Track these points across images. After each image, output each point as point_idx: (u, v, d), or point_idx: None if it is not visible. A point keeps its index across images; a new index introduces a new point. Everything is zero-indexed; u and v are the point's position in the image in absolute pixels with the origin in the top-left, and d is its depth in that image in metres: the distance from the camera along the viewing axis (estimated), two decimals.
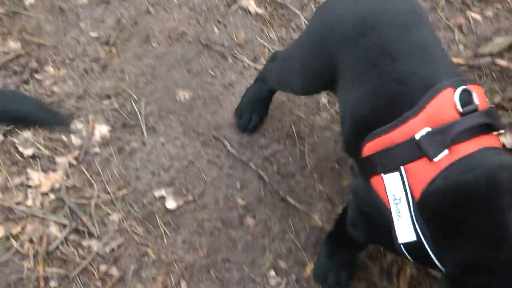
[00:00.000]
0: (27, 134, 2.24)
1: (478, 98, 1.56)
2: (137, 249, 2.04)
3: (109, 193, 2.12)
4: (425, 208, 1.53)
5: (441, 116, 1.55)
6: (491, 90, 2.53)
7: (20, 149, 2.20)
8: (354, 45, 1.73)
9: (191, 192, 2.12)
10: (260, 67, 2.39)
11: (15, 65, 2.40)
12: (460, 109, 1.52)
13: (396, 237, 1.58)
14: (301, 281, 2.03)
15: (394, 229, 1.59)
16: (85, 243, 2.07)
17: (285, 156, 2.22)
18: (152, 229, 2.07)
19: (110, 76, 2.35)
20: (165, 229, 2.06)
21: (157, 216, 2.08)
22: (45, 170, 2.17)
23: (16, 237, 2.06)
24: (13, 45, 2.44)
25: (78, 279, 2.02)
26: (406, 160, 1.57)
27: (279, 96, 2.35)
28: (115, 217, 2.09)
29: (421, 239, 1.55)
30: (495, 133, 1.59)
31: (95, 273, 2.02)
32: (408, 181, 1.57)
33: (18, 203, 2.11)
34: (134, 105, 2.29)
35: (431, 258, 1.56)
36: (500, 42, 2.59)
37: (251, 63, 2.45)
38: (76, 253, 2.05)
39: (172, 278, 2.01)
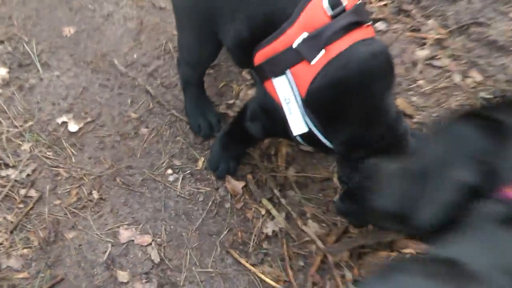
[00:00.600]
0: None
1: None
2: (50, 171, 2.17)
3: (16, 127, 2.23)
4: (310, 103, 1.67)
5: (314, 22, 1.63)
6: None
7: None
8: None
9: (89, 114, 2.25)
10: None
11: None
12: (330, 13, 1.62)
13: (291, 127, 1.74)
14: (195, 174, 2.16)
15: (286, 120, 1.73)
16: (3, 173, 2.18)
17: (166, 70, 2.35)
18: (60, 151, 2.19)
19: (0, 23, 2.40)
20: (72, 150, 2.19)
21: (62, 140, 2.22)
22: None
23: None
24: None
25: (2, 205, 2.12)
26: (290, 65, 1.68)
27: (152, 18, 2.49)
28: (26, 146, 2.21)
29: (311, 129, 1.72)
30: (365, 25, 1.68)
31: (16, 197, 2.13)
32: (294, 83, 1.69)
33: None
34: (26, 46, 2.37)
35: (322, 142, 1.76)
36: None
37: None
38: None
39: (85, 190, 2.15)
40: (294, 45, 1.62)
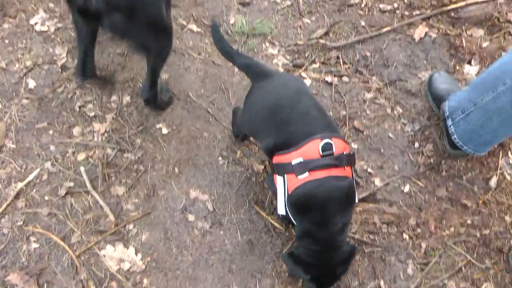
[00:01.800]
0: (90, 105, 2.64)
1: (336, 147, 1.85)
2: (151, 156, 2.51)
3: (133, 129, 2.58)
4: (290, 200, 1.92)
5: (309, 155, 1.84)
6: (318, 55, 2.86)
7: (88, 113, 2.61)
8: (267, 120, 1.98)
9: (174, 124, 2.61)
10: None
11: None
12: (321, 153, 1.84)
13: (277, 206, 1.99)
14: (235, 160, 2.51)
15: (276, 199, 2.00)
16: (125, 155, 2.50)
17: (219, 100, 2.67)
18: (157, 145, 2.55)
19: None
20: (164, 144, 2.54)
21: (159, 138, 2.57)
22: (101, 122, 2.60)
23: (91, 157, 2.49)
24: None
25: (124, 173, 2.47)
26: (287, 172, 1.89)
27: (212, 70, 2.76)
28: (138, 141, 2.55)
29: (287, 213, 1.97)
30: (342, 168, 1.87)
31: (132, 169, 2.48)
32: (286, 183, 1.91)
33: (90, 140, 2.55)
34: (141, 84, 2.72)
35: (293, 222, 2.02)
36: (320, 31, 2.95)
37: (197, 55, 2.84)
38: (122, 161, 2.48)
39: (170, 167, 2.50)
40: (293, 163, 1.86)
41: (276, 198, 2.04)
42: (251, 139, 2.52)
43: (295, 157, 1.85)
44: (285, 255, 2.05)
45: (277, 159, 1.92)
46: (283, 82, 2.07)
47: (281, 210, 1.97)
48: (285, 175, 1.89)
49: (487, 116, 2.23)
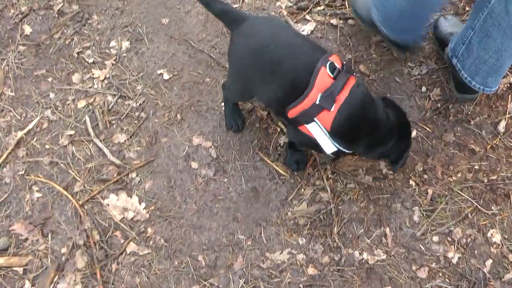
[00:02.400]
0: (88, 51, 2.35)
1: (336, 62, 1.69)
2: (152, 102, 2.23)
3: (134, 75, 2.30)
4: (335, 133, 1.71)
5: (324, 84, 1.65)
6: None
7: (87, 59, 2.32)
8: (257, 66, 1.73)
9: (175, 69, 2.30)
10: None
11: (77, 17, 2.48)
12: (331, 76, 1.64)
13: (325, 150, 1.78)
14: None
15: (321, 146, 1.76)
16: (126, 102, 2.23)
17: (221, 44, 2.34)
18: (159, 90, 2.27)
19: (126, 16, 2.43)
20: (165, 90, 2.25)
21: (160, 84, 2.27)
22: (100, 68, 2.32)
23: (91, 105, 2.23)
24: (74, 7, 2.47)
25: (124, 121, 2.19)
26: (316, 114, 1.68)
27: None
28: (139, 87, 2.29)
29: (338, 147, 1.76)
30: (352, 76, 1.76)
31: (133, 116, 2.21)
32: (321, 124, 1.70)
33: (90, 87, 2.28)
34: (139, 29, 2.39)
35: (347, 152, 1.81)
36: None
37: None
38: (123, 108, 2.22)
39: (172, 114, 2.21)
40: (317, 102, 1.66)
41: (311, 147, 1.93)
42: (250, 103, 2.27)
43: (315, 96, 1.66)
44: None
45: (296, 110, 1.72)
46: (259, 22, 1.85)
47: (331, 149, 1.79)
48: (315, 118, 1.70)
49: (487, 34, 1.93)
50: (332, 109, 1.68)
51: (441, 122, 2.22)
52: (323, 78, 1.67)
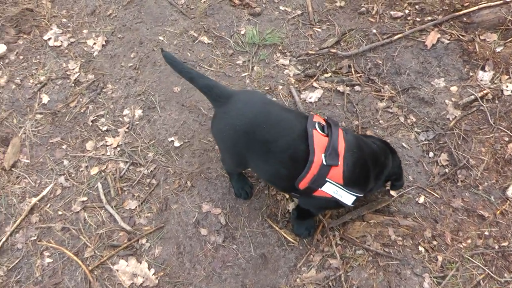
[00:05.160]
0: (102, 119, 2.52)
1: (320, 120, 1.84)
2: (163, 169, 2.40)
3: (146, 143, 2.46)
4: (349, 183, 1.82)
5: (322, 145, 1.77)
6: (330, 65, 2.67)
7: (101, 127, 2.50)
8: (252, 145, 1.81)
9: (186, 137, 2.46)
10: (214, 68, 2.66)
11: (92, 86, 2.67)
12: (324, 134, 1.79)
13: (345, 203, 1.86)
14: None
15: (340, 201, 1.84)
16: (137, 169, 2.40)
17: None
18: (170, 158, 2.43)
19: (139, 85, 2.64)
20: (176, 157, 2.42)
21: (171, 151, 2.43)
22: (113, 136, 2.48)
23: (104, 171, 2.38)
24: (90, 76, 2.69)
25: (136, 187, 2.34)
26: (327, 174, 1.78)
27: None
28: (150, 154, 2.44)
29: (357, 195, 1.86)
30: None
31: (144, 183, 2.37)
32: (334, 181, 1.80)
33: (103, 154, 2.44)
34: (152, 97, 2.59)
35: (362, 197, 1.96)
36: (331, 40, 2.77)
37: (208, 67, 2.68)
38: (134, 175, 2.37)
39: (183, 181, 2.37)
40: (324, 163, 1.76)
41: (330, 207, 2.09)
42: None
43: (320, 159, 1.76)
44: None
45: (306, 180, 1.80)
46: (246, 100, 1.87)
47: (351, 199, 1.87)
48: (327, 178, 1.79)
49: None
50: (339, 163, 1.76)
51: (449, 187, 2.29)
52: (319, 139, 1.77)
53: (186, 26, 2.79)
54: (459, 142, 2.39)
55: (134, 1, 2.90)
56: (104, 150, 2.42)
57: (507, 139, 2.37)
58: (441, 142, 2.41)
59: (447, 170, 2.34)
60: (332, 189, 1.81)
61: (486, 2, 2.77)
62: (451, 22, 2.76)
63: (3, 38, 2.76)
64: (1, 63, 2.69)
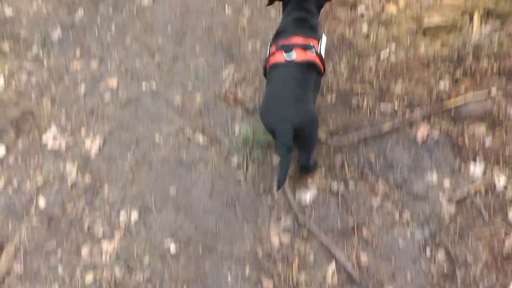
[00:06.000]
0: (98, 224, 2.51)
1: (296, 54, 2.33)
2: (159, 275, 2.35)
3: (141, 248, 2.44)
4: None
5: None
6: (324, 161, 2.70)
7: (97, 232, 2.49)
8: None
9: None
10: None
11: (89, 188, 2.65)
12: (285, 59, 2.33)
13: None
14: None
15: None
16: (132, 277, 2.36)
17: (228, 216, 2.55)
18: (165, 262, 2.38)
19: (135, 187, 2.67)
20: (171, 260, 2.38)
21: (168, 256, 2.41)
22: (109, 240, 2.46)
23: (99, 280, 2.33)
24: (87, 176, 2.69)
25: None
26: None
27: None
28: (146, 260, 2.40)
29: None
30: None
31: None
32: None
33: (98, 260, 2.39)
34: (148, 200, 2.61)
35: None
36: (323, 136, 2.79)
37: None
38: (129, 282, 2.34)
39: (179, 287, 2.31)
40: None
41: None
42: None
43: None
44: None
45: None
46: None
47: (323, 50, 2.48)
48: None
49: None
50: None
51: (448, 286, 2.24)
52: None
53: (182, 125, 2.84)
54: (456, 239, 2.37)
55: (132, 100, 2.98)
56: (99, 256, 2.40)
57: (503, 234, 2.35)
58: (437, 239, 2.39)
59: (445, 268, 2.31)
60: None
61: (471, 93, 2.84)
62: (440, 115, 2.80)
63: (4, 142, 2.81)
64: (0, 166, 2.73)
